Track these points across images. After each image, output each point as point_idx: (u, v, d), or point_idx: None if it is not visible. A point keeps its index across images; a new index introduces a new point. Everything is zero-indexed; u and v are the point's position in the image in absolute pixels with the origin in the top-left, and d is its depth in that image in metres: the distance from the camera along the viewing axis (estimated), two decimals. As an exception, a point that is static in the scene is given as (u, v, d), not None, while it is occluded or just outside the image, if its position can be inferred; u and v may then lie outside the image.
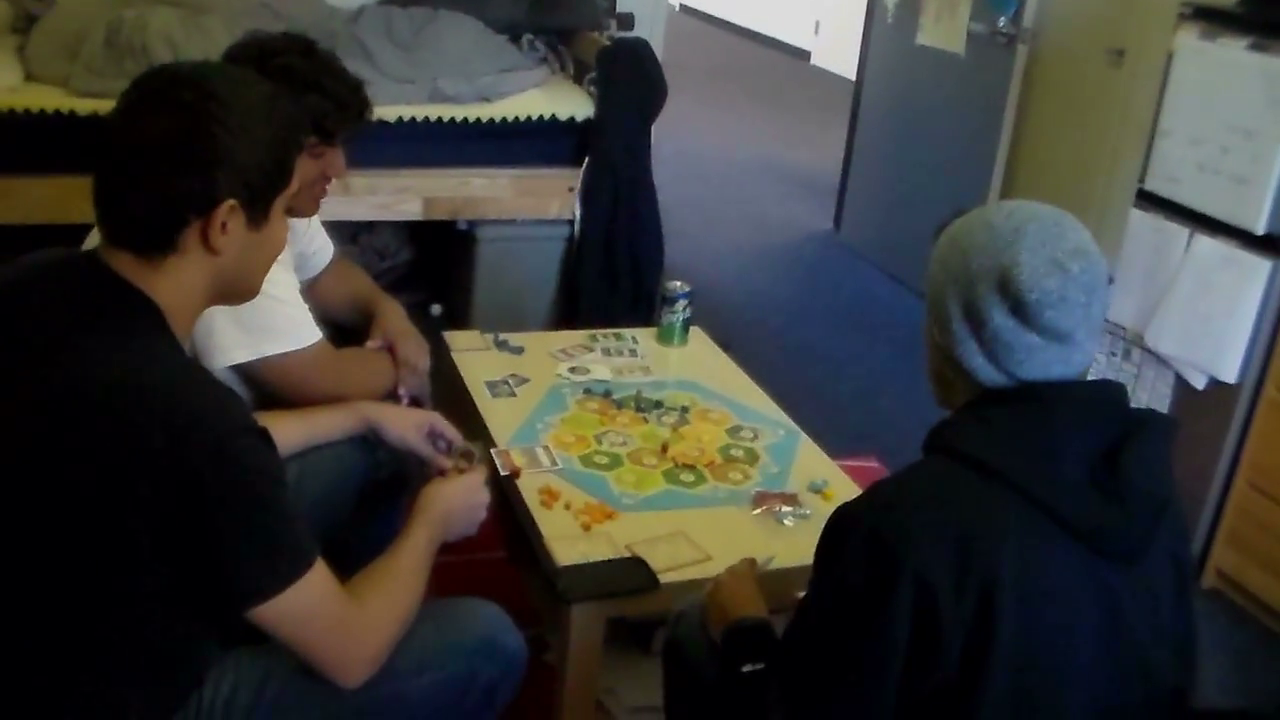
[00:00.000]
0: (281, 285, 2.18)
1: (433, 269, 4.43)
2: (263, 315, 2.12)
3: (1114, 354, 3.37)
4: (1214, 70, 3.10)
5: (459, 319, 4.06)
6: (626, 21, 4.61)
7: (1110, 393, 1.42)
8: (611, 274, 4.06)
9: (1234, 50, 3.05)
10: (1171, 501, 1.41)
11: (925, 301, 1.47)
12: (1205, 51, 3.13)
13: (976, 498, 1.33)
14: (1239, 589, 3.16)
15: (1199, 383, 3.14)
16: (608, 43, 4.11)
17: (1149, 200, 3.27)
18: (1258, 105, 2.95)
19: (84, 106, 3.40)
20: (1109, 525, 1.34)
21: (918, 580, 1.27)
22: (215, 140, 1.46)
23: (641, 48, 4.05)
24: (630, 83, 3.95)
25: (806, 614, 1.42)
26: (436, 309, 4.34)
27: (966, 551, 1.28)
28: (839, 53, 8.86)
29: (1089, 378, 1.43)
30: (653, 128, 4.12)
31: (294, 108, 1.62)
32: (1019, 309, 1.35)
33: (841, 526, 1.37)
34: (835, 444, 2.70)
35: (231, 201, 1.48)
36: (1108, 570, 1.35)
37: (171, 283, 1.50)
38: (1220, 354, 3.07)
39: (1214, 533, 3.21)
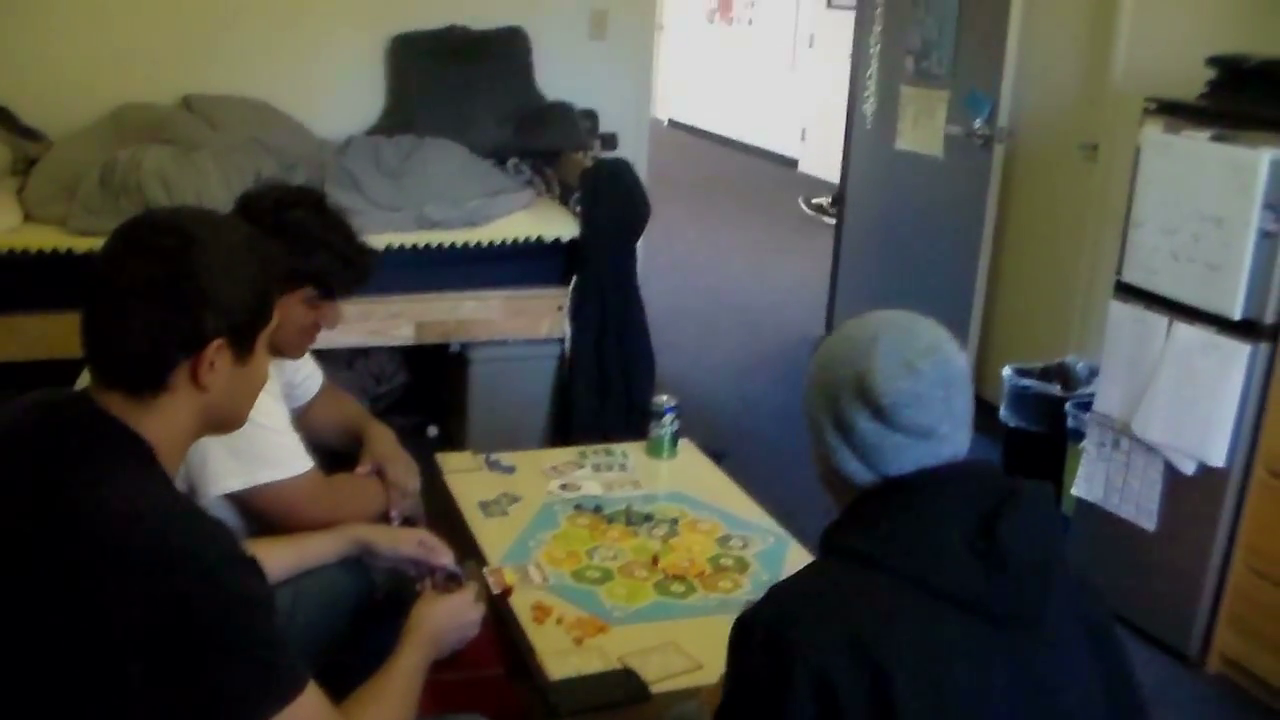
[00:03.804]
0: (273, 415, 2.23)
1: (428, 391, 4.48)
2: (255, 444, 2.16)
3: (1103, 444, 3.39)
4: (1180, 162, 3.17)
5: (455, 440, 4.10)
6: (610, 141, 4.70)
7: (979, 467, 1.47)
8: (603, 389, 4.10)
9: (1198, 142, 3.12)
10: (1060, 563, 1.44)
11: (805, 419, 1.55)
12: (1171, 144, 3.20)
13: (862, 591, 1.37)
14: (1245, 674, 3.15)
15: (1188, 468, 3.16)
16: (590, 163, 4.20)
17: (1127, 291, 3.33)
18: (1225, 193, 3.01)
19: (81, 245, 3.49)
20: (994, 592, 1.37)
21: (815, 676, 1.30)
22: (200, 283, 1.51)
23: (623, 167, 4.13)
24: (613, 202, 4.03)
25: (723, 714, 1.45)
26: (433, 431, 4.39)
27: (857, 644, 1.31)
28: (826, 159, 8.99)
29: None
30: (644, 241, 4.19)
31: (271, 249, 1.68)
32: (878, 413, 1.43)
33: (742, 631, 1.41)
34: (834, 548, 2.70)
35: (219, 340, 1.53)
36: (1009, 639, 1.38)
37: (161, 420, 1.54)
38: (1207, 439, 3.09)
39: (1214, 618, 3.20)
